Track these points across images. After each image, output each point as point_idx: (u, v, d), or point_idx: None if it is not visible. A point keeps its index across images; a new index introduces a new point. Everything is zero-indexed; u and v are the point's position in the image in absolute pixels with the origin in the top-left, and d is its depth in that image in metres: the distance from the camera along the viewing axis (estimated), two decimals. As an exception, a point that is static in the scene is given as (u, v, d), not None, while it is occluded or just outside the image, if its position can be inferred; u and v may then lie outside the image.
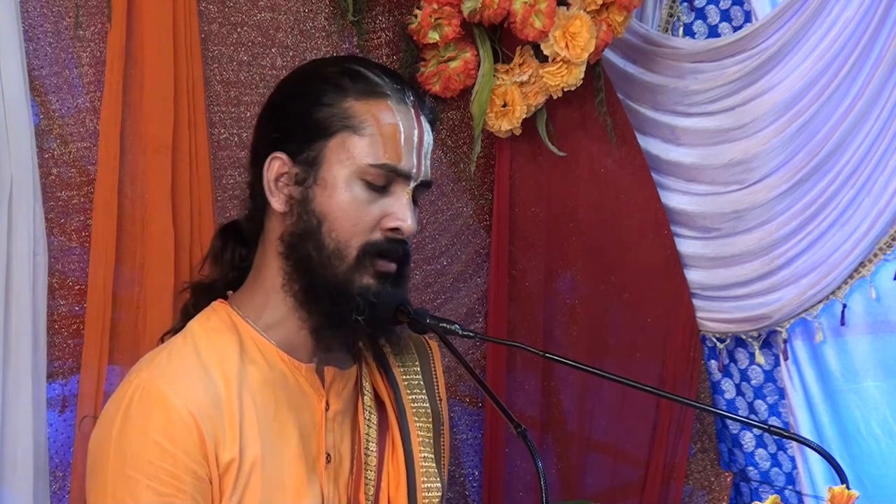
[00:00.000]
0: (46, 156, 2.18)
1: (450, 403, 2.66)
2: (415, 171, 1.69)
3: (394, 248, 1.68)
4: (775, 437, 2.85)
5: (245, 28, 2.38)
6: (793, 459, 2.84)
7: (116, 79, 2.20)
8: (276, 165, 1.69)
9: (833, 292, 2.73)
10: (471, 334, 1.71)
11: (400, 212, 1.67)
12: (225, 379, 1.65)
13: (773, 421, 2.86)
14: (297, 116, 1.69)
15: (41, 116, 2.18)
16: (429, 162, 1.72)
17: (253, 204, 1.75)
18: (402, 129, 1.68)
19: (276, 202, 1.69)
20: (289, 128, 1.70)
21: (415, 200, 1.71)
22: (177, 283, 2.19)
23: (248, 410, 1.65)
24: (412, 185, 1.69)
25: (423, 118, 1.72)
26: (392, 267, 1.68)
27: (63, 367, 2.21)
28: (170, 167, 2.25)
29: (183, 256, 2.25)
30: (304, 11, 2.45)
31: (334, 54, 2.45)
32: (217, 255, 1.79)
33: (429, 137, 1.72)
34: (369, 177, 1.66)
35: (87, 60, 2.21)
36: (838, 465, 1.61)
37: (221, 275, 1.78)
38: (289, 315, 1.70)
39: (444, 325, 1.70)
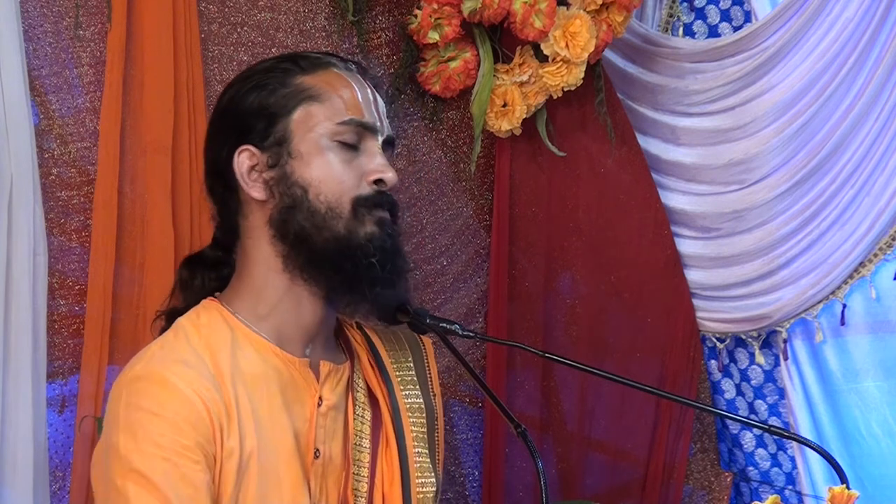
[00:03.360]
0: (46, 156, 2.18)
1: (450, 403, 2.66)
2: (378, 124, 1.72)
3: (384, 199, 1.70)
4: (775, 437, 2.85)
5: (245, 28, 2.38)
6: (793, 459, 2.84)
7: (116, 79, 2.20)
8: (245, 158, 1.69)
9: (833, 292, 2.73)
10: (471, 334, 1.71)
11: (378, 164, 1.69)
12: (218, 371, 1.64)
13: (773, 421, 2.85)
14: (252, 108, 1.70)
15: (41, 116, 2.18)
16: (387, 121, 1.76)
17: (223, 214, 1.74)
18: (356, 88, 1.72)
19: (255, 191, 1.69)
20: (246, 122, 1.70)
21: None
22: (177, 283, 2.19)
23: (243, 404, 1.64)
24: (380, 138, 1.72)
25: (369, 83, 1.76)
26: (388, 215, 1.70)
27: (63, 367, 2.21)
28: (170, 167, 2.25)
29: (183, 256, 2.25)
30: (304, 11, 2.45)
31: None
32: (186, 284, 1.78)
33: (381, 99, 1.76)
34: (339, 136, 1.68)
35: (87, 60, 2.21)
36: (838, 465, 1.61)
37: (195, 300, 1.76)
38: (282, 300, 1.69)
39: (444, 325, 1.70)
